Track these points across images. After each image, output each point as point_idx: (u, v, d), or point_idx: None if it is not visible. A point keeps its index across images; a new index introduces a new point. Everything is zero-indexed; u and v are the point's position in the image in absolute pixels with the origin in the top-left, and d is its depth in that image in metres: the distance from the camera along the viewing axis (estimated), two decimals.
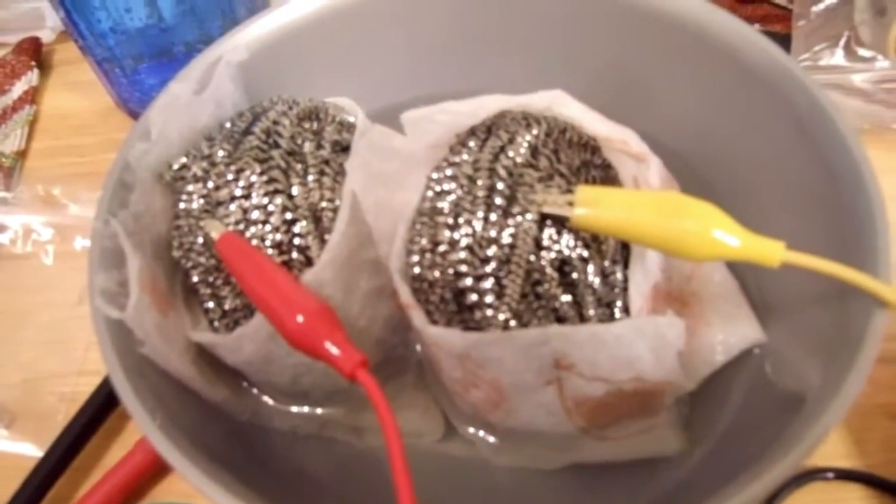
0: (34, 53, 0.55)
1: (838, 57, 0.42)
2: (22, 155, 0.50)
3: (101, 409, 0.36)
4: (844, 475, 0.33)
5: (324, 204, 0.29)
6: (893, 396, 0.36)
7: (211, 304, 0.29)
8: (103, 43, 0.46)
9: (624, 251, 0.28)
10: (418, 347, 0.32)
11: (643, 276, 0.27)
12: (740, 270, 0.32)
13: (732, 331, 0.30)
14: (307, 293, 0.25)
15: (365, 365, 0.23)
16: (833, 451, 0.34)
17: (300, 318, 0.24)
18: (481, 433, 0.30)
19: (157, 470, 0.35)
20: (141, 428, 0.23)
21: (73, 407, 0.36)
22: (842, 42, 0.42)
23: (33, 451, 0.36)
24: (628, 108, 0.31)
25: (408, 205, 0.30)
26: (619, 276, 0.28)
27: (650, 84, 0.36)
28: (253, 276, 0.25)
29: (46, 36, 0.56)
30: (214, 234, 0.27)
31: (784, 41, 0.44)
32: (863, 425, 0.35)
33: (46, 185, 0.46)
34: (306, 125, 0.30)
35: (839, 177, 0.27)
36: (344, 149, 0.31)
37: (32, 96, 0.53)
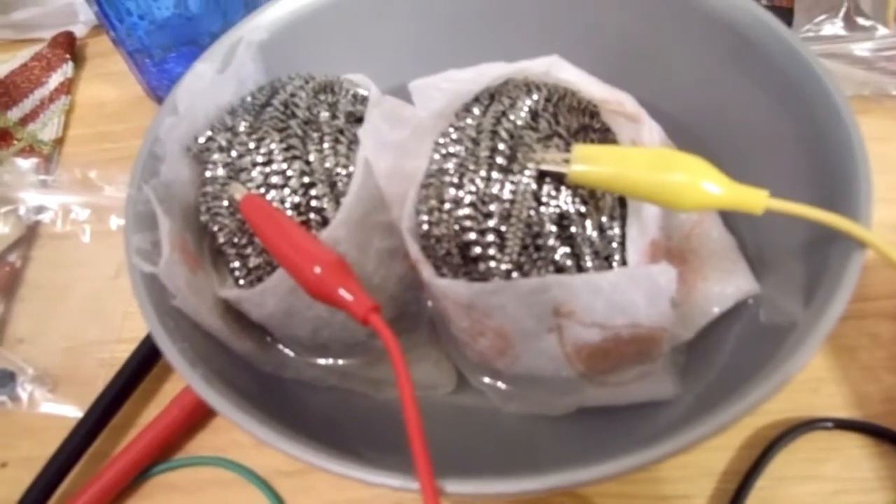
0: (68, 47, 0.58)
1: (838, 27, 0.43)
2: (59, 142, 0.53)
3: (138, 372, 0.39)
4: (844, 425, 0.34)
5: (339, 170, 0.31)
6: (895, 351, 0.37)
7: (236, 263, 0.31)
8: (133, 33, 0.49)
9: (622, 209, 0.30)
10: (430, 304, 0.33)
11: (639, 232, 0.29)
12: (738, 229, 0.33)
13: (728, 283, 0.31)
14: (324, 247, 0.27)
15: (377, 310, 0.25)
16: (833, 403, 0.35)
17: (317, 269, 0.26)
18: (490, 381, 0.32)
19: (190, 426, 0.37)
20: (175, 366, 0.25)
21: (111, 372, 0.39)
22: (842, 13, 0.43)
23: (75, 413, 0.39)
24: (631, 79, 0.33)
25: (418, 171, 0.32)
26: (616, 231, 0.29)
27: (652, 56, 0.37)
28: (274, 233, 0.27)
29: (79, 31, 0.60)
30: (238, 196, 0.29)
31: (787, 14, 0.45)
32: (864, 378, 0.36)
33: (83, 168, 0.49)
34: (322, 97, 0.33)
35: (826, 136, 0.29)
36: (357, 120, 0.33)
37: (68, 87, 0.56)
